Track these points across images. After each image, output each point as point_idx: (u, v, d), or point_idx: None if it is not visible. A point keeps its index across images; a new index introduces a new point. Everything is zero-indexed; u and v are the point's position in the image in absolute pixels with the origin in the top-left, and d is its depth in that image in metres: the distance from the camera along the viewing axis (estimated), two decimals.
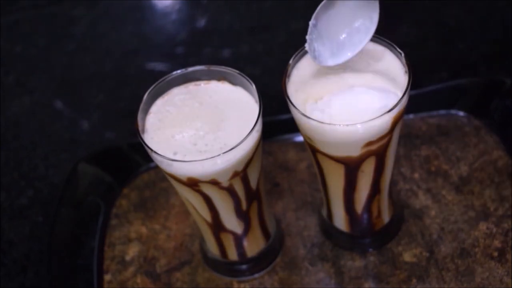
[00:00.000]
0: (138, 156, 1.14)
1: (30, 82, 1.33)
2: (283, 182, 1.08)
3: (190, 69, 0.87)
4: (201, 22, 1.29)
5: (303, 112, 0.79)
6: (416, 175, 1.05)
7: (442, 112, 1.11)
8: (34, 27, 1.42)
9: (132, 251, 1.04)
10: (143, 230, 1.06)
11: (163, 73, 0.86)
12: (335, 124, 0.77)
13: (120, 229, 1.07)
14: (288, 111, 0.84)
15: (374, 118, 0.76)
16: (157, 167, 1.14)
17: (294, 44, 0.86)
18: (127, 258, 1.03)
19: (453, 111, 1.11)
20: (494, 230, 0.97)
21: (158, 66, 1.25)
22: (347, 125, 0.77)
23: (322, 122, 0.78)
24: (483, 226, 0.98)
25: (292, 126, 1.09)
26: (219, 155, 0.77)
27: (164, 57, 1.28)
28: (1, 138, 1.23)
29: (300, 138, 1.12)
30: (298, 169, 1.09)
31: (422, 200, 1.02)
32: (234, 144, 0.78)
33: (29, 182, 1.16)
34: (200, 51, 1.27)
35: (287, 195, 1.07)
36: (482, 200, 1.01)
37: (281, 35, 1.26)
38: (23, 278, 1.04)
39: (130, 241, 1.05)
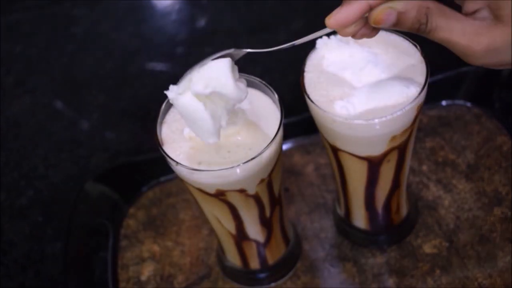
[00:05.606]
0: (138, 174, 1.12)
1: (30, 82, 1.30)
2: (292, 186, 1.07)
3: None
4: (201, 22, 1.28)
5: (325, 109, 0.79)
6: (425, 167, 1.05)
7: (440, 103, 1.12)
8: (34, 27, 1.40)
9: (147, 270, 1.01)
10: (156, 248, 1.04)
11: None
12: (360, 120, 0.77)
13: (132, 249, 1.04)
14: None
15: (399, 110, 0.76)
16: (160, 184, 1.12)
17: None
18: (143, 278, 1.01)
19: (450, 101, 1.12)
20: (509, 213, 0.98)
21: (158, 66, 1.23)
22: (372, 120, 0.76)
23: (346, 118, 0.77)
24: (497, 211, 0.99)
25: (293, 130, 1.09)
26: (248, 161, 0.75)
27: (164, 57, 1.26)
28: (1, 138, 1.21)
29: (302, 141, 1.12)
30: (305, 173, 1.09)
31: (433, 191, 1.03)
32: (259, 149, 0.77)
33: (29, 182, 1.14)
34: (200, 51, 1.26)
35: (298, 199, 1.06)
36: (492, 186, 1.02)
37: (281, 35, 1.26)
38: (23, 278, 1.02)
39: (144, 260, 1.02)
